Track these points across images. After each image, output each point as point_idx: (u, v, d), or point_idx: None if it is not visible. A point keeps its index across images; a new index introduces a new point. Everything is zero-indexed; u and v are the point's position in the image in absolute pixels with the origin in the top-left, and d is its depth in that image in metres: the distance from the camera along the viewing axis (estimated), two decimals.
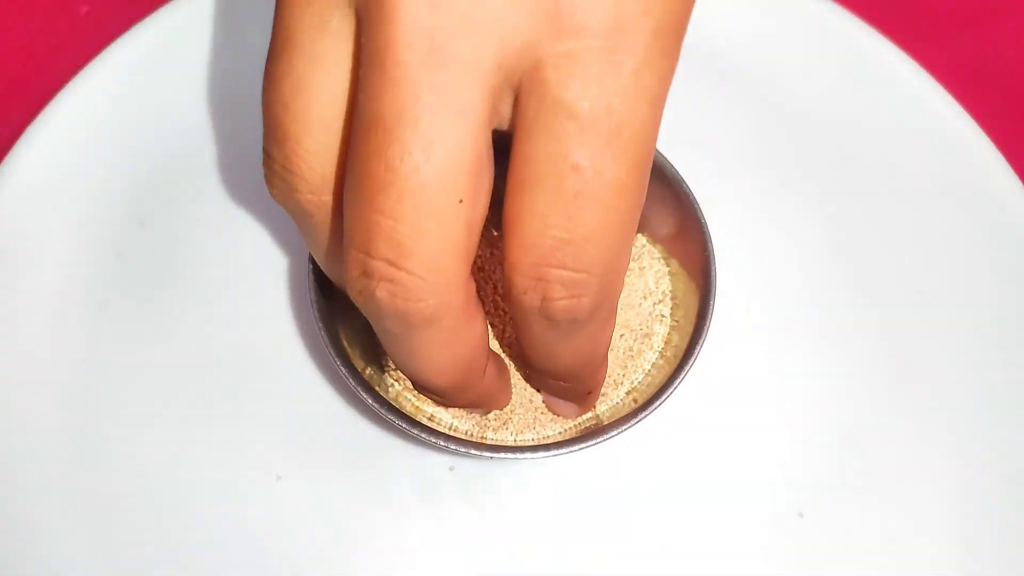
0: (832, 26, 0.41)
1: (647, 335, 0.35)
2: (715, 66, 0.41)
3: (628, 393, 0.34)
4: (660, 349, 0.35)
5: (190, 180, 0.38)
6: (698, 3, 0.40)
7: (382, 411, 0.31)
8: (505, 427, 0.34)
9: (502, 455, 0.31)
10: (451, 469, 0.35)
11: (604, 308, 0.25)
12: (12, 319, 0.35)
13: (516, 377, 0.34)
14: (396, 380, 0.34)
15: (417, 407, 0.34)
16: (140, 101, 0.38)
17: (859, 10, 0.41)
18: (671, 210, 0.35)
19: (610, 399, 0.34)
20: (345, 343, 0.32)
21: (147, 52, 0.39)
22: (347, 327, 0.33)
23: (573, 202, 0.22)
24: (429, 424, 0.31)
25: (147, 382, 0.35)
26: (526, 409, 0.34)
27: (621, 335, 0.35)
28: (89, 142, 0.38)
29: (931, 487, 0.35)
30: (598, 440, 0.31)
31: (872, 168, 0.40)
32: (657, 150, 0.32)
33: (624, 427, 0.31)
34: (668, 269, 0.35)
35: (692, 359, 0.32)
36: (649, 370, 0.34)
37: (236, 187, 0.38)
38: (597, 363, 0.30)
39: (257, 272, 0.37)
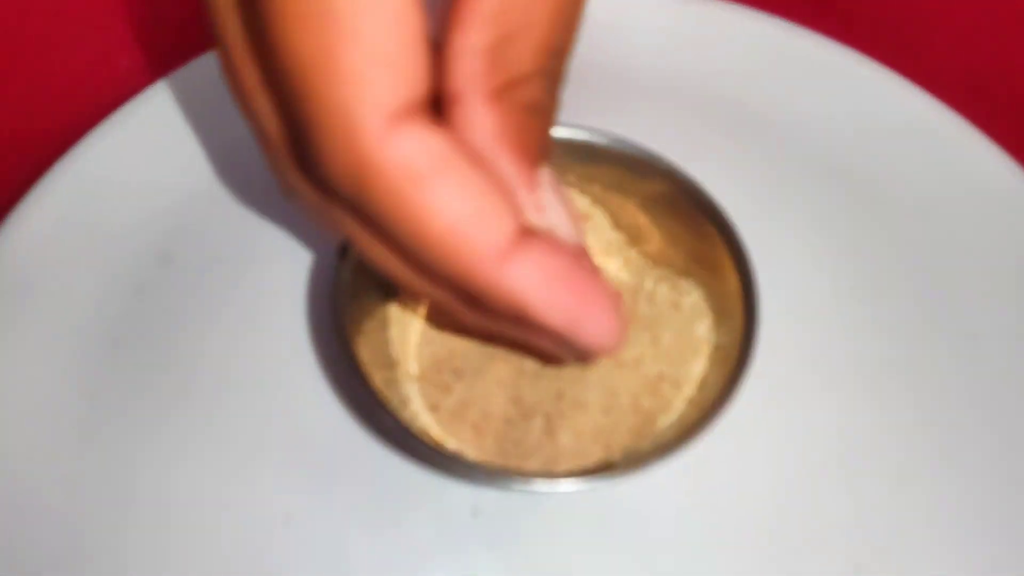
0: (862, 74, 0.41)
1: (685, 372, 0.33)
2: (737, 110, 0.41)
3: (665, 428, 0.32)
4: (698, 384, 0.33)
5: (214, 215, 0.38)
6: (724, 54, 0.42)
7: (409, 438, 0.29)
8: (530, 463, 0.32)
9: (535, 486, 0.29)
10: (474, 514, 0.32)
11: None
12: (29, 355, 0.35)
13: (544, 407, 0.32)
14: (421, 410, 0.33)
15: (440, 439, 0.32)
16: (165, 139, 0.39)
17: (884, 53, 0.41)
18: (711, 245, 0.34)
19: (641, 430, 0.32)
20: (365, 367, 0.31)
21: (176, 96, 0.40)
22: (366, 356, 0.32)
23: None
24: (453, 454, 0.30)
25: (160, 420, 0.34)
26: (545, 444, 0.32)
27: (659, 373, 0.33)
28: (114, 179, 0.38)
29: (994, 540, 0.32)
30: (641, 467, 0.29)
31: (909, 210, 0.39)
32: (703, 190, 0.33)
33: (669, 453, 0.29)
34: (710, 306, 0.34)
35: (731, 395, 0.30)
36: (686, 409, 0.33)
37: (260, 222, 0.38)
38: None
39: (278, 304, 0.36)
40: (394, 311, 0.35)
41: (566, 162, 0.35)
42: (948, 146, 0.40)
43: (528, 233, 0.22)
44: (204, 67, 0.40)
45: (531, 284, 0.21)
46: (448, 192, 0.20)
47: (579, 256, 0.25)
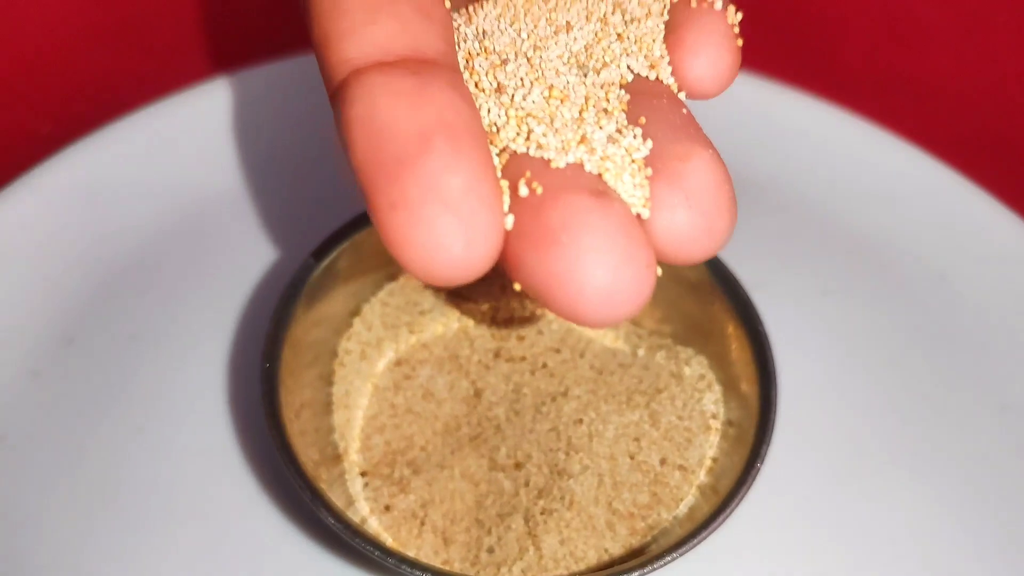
0: (861, 137, 0.38)
1: (694, 455, 0.27)
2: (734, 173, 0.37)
3: (671, 521, 0.26)
4: (708, 469, 0.27)
5: (120, 293, 0.33)
6: (721, 118, 0.39)
7: (358, 542, 0.23)
8: (507, 570, 0.25)
9: None
10: None
11: None
12: None
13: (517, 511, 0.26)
14: (372, 512, 0.26)
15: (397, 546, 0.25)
16: (69, 210, 0.34)
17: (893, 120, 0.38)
18: (713, 308, 0.29)
19: (645, 529, 0.26)
20: (301, 459, 0.25)
21: (81, 169, 0.35)
22: (305, 449, 0.26)
23: None
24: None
25: (56, 527, 0.28)
26: (528, 549, 0.26)
27: (663, 458, 0.27)
28: (9, 252, 0.32)
29: None
30: (647, 571, 0.23)
31: (923, 275, 0.35)
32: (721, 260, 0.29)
33: (679, 553, 0.23)
34: (717, 377, 0.29)
35: (751, 480, 0.25)
36: (694, 497, 0.27)
37: (171, 299, 0.33)
38: None
39: (194, 394, 0.30)
40: (338, 392, 0.29)
41: None
42: (959, 210, 0.36)
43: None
44: (107, 139, 0.35)
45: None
46: None
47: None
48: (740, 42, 0.21)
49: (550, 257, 0.16)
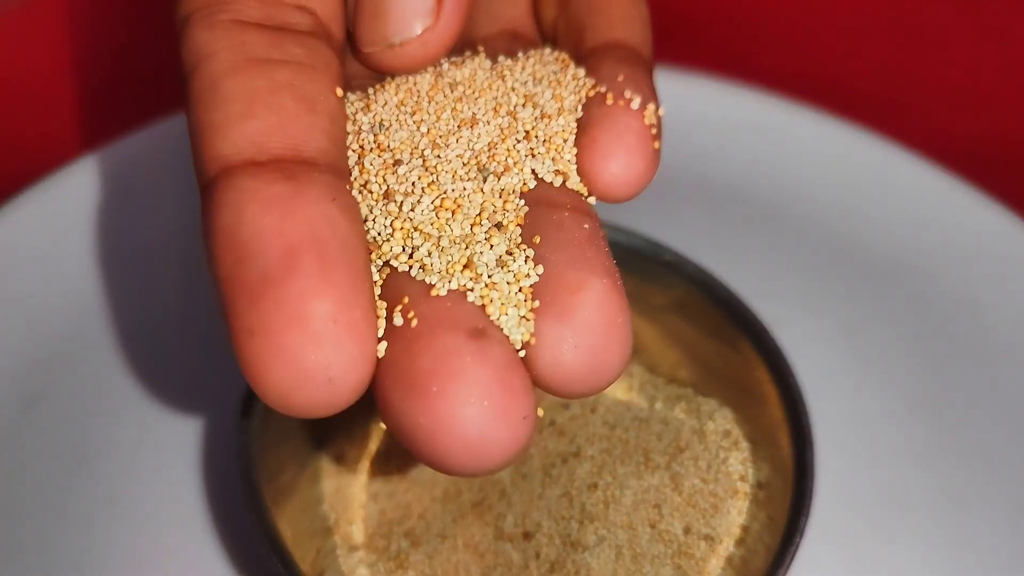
0: (895, 164, 0.35)
1: (722, 523, 0.25)
2: (748, 200, 0.35)
3: None
4: (738, 540, 0.25)
5: (88, 356, 0.30)
6: (727, 138, 0.37)
7: None
8: None
9: None
10: None
11: None
12: None
13: None
14: None
15: None
16: (35, 258, 0.31)
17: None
18: (737, 356, 0.27)
19: None
20: (284, 540, 0.22)
21: (37, 220, 0.32)
22: (290, 521, 0.23)
23: None
24: None
25: None
26: None
27: (687, 527, 0.25)
28: None
29: None
30: None
31: (958, 304, 0.33)
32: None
33: None
34: (743, 433, 0.26)
35: (791, 554, 0.23)
36: (723, 571, 0.24)
37: (144, 362, 0.30)
38: None
39: (169, 459, 0.28)
40: (327, 460, 0.26)
41: None
42: (991, 236, 0.34)
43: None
44: (80, 172, 0.33)
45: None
46: None
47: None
48: (658, 144, 0.19)
49: (418, 405, 0.15)
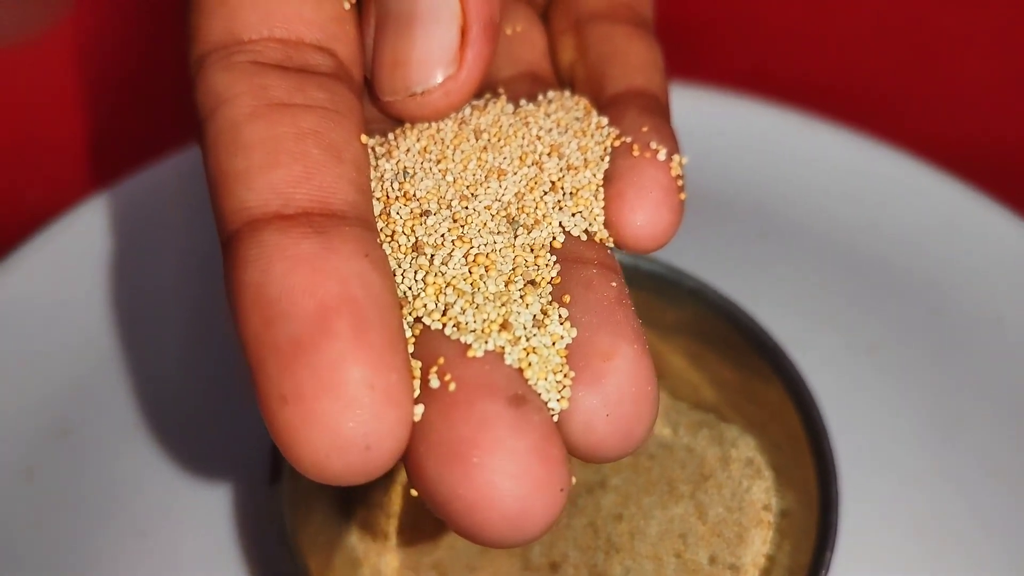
0: (910, 176, 0.35)
1: (747, 553, 0.25)
2: (761, 216, 0.35)
3: None
4: (763, 570, 0.25)
5: (124, 381, 0.30)
6: (737, 151, 0.37)
7: None
8: None
9: None
10: None
11: None
12: None
13: None
14: None
15: None
16: (56, 306, 0.31)
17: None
18: (760, 381, 0.27)
19: None
20: None
21: (62, 256, 0.32)
22: (321, 560, 0.24)
23: None
24: None
25: None
26: None
27: (712, 557, 0.25)
28: (3, 341, 0.30)
29: None
30: None
31: (981, 320, 0.33)
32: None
33: None
34: (767, 461, 0.27)
35: None
36: None
37: (173, 392, 0.30)
38: None
39: (201, 496, 0.28)
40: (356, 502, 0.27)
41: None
42: (1012, 248, 0.34)
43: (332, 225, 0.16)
44: (92, 212, 0.33)
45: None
46: None
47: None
48: (683, 196, 0.19)
49: (456, 474, 0.15)
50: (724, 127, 0.36)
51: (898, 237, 0.34)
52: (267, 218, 0.16)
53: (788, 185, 0.36)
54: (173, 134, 0.33)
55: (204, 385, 0.30)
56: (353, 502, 0.27)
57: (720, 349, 0.28)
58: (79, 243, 0.32)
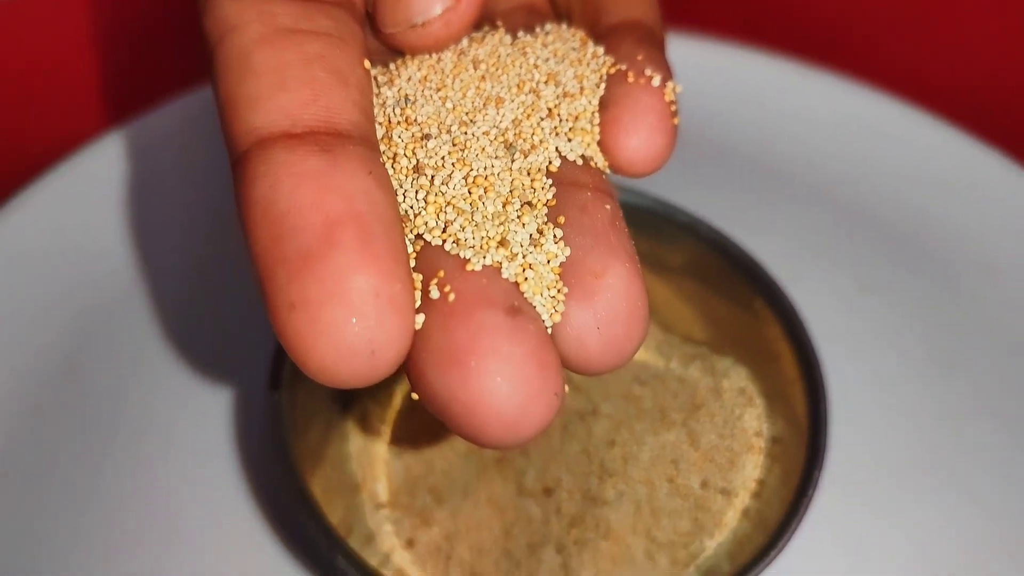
0: (909, 123, 0.35)
1: (738, 477, 0.25)
2: (762, 162, 0.35)
3: (715, 549, 0.24)
4: (754, 493, 0.25)
5: (126, 325, 0.31)
6: (738, 100, 0.37)
7: None
8: None
9: None
10: None
11: None
12: None
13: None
14: (393, 548, 0.25)
15: None
16: (66, 241, 0.32)
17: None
18: (753, 316, 0.27)
19: (687, 559, 0.24)
20: (315, 496, 0.23)
21: (72, 192, 0.32)
22: (319, 481, 0.24)
23: None
24: None
25: (58, 564, 0.26)
26: None
27: (704, 481, 0.25)
28: (9, 281, 0.31)
29: None
30: None
31: (973, 266, 0.33)
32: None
33: None
34: (758, 389, 0.27)
35: (797, 518, 0.23)
36: (739, 523, 0.25)
37: (178, 331, 0.30)
38: None
39: (203, 425, 0.28)
40: (353, 420, 0.27)
41: None
42: (1007, 196, 0.34)
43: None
44: (108, 147, 0.33)
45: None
46: None
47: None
48: (677, 120, 0.20)
49: (455, 379, 0.15)
50: (721, 76, 0.36)
51: (894, 184, 0.35)
52: (276, 137, 0.16)
53: (784, 132, 0.36)
54: (182, 75, 0.33)
55: (208, 316, 0.30)
56: (351, 416, 0.27)
57: (713, 283, 0.28)
58: (87, 182, 0.32)
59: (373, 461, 0.27)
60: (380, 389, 0.27)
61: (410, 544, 0.25)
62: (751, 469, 0.26)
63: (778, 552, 0.23)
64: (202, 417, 0.28)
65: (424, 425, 0.27)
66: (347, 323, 0.15)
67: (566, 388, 0.16)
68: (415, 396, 0.16)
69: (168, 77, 0.35)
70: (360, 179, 0.16)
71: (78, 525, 0.26)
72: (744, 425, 0.26)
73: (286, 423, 0.24)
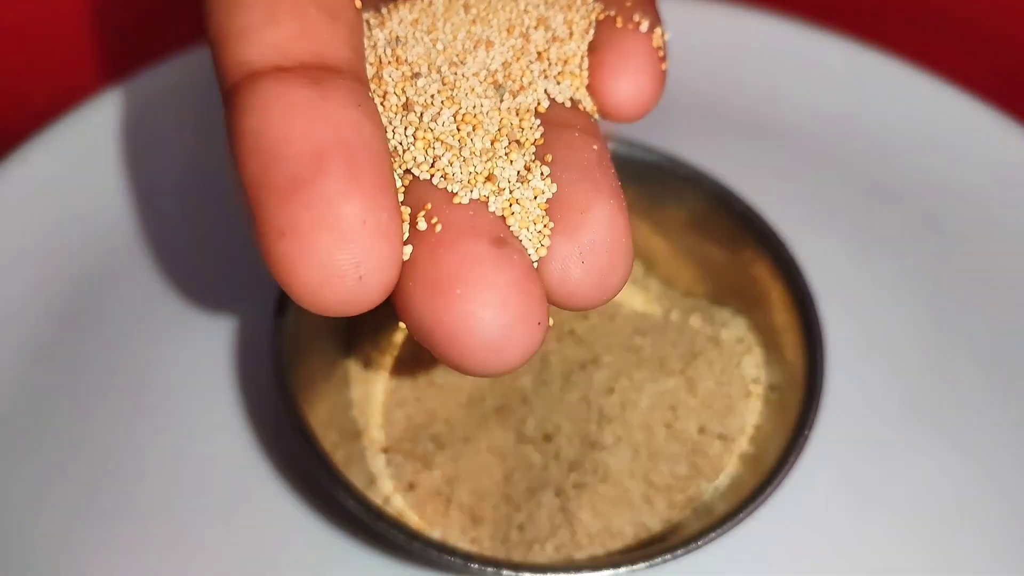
0: (909, 82, 0.35)
1: (735, 423, 0.26)
2: (761, 119, 0.35)
3: (712, 493, 0.25)
4: (751, 438, 0.26)
5: (126, 271, 0.31)
6: (738, 59, 0.37)
7: (380, 526, 0.22)
8: (540, 549, 0.24)
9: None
10: None
11: None
12: None
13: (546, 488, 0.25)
14: (395, 490, 0.25)
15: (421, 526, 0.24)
16: (68, 178, 0.32)
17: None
18: (750, 266, 0.27)
19: (684, 502, 0.24)
20: (316, 436, 0.24)
21: (75, 143, 0.33)
22: (320, 425, 0.25)
23: None
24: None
25: (56, 519, 0.26)
26: (558, 525, 0.24)
27: (701, 427, 0.26)
28: (13, 231, 0.31)
29: None
30: (689, 548, 0.21)
31: (969, 222, 0.33)
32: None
33: (723, 530, 0.22)
34: (757, 339, 0.27)
35: (799, 450, 0.23)
36: (736, 467, 0.25)
37: (178, 277, 0.31)
38: None
39: (203, 371, 0.29)
40: (354, 367, 0.27)
41: None
42: (1005, 152, 0.34)
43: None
44: (106, 103, 0.34)
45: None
46: None
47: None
48: (665, 66, 0.20)
49: (440, 305, 0.16)
50: (724, 36, 0.37)
51: (894, 142, 0.35)
52: (266, 70, 0.16)
53: (790, 93, 0.36)
54: (185, 32, 0.34)
55: (208, 263, 0.31)
56: (353, 364, 0.28)
57: (715, 237, 0.28)
58: (87, 135, 0.32)
59: (374, 408, 0.27)
60: (382, 337, 0.28)
61: (411, 487, 0.26)
62: (749, 415, 0.26)
63: (772, 491, 0.23)
64: (202, 358, 0.29)
65: (426, 375, 0.28)
66: (335, 249, 0.15)
67: (550, 321, 0.16)
68: (402, 325, 0.16)
69: (170, 33, 0.35)
70: (349, 111, 0.16)
71: (78, 464, 0.27)
72: (742, 373, 0.27)
73: (288, 363, 0.24)
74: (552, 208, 0.17)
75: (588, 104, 0.20)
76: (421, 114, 0.18)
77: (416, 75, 0.19)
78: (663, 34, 0.20)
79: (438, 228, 0.16)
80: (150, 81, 0.33)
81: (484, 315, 0.15)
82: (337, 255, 0.15)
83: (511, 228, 0.17)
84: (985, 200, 0.33)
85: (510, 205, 0.17)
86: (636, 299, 0.29)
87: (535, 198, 0.17)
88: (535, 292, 0.16)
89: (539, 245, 0.17)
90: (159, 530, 0.26)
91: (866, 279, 0.31)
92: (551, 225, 0.17)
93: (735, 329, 0.27)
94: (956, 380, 0.29)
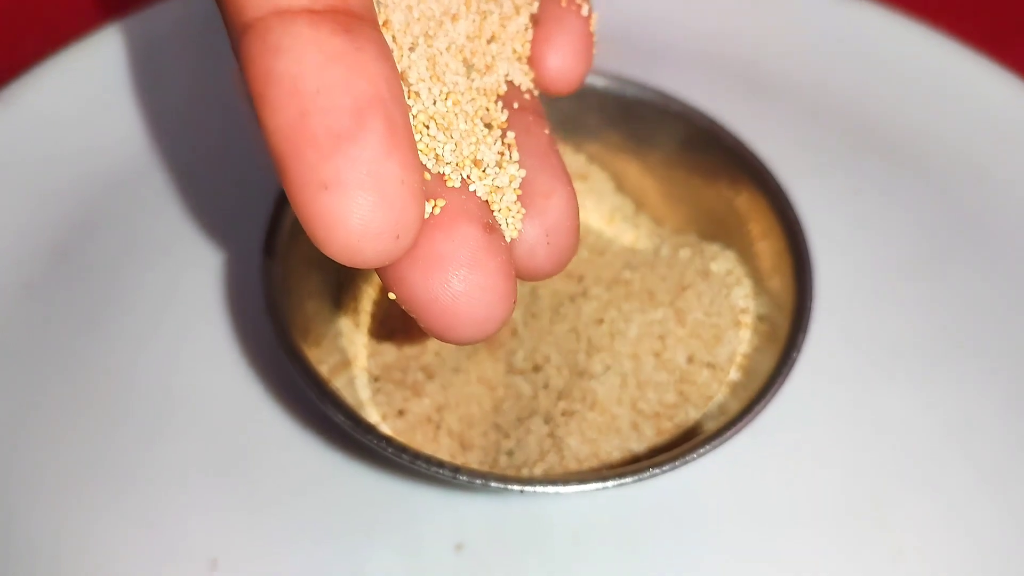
0: (900, 31, 0.36)
1: (723, 352, 0.26)
2: (757, 70, 0.35)
3: (700, 419, 0.25)
4: (739, 366, 0.26)
5: (113, 206, 0.31)
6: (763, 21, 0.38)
7: (369, 439, 0.22)
8: (532, 468, 0.24)
9: (540, 488, 0.22)
10: (458, 547, 0.25)
11: None
12: None
13: (537, 417, 0.25)
14: (385, 416, 0.25)
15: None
16: (60, 118, 0.32)
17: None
18: (740, 201, 0.28)
19: (672, 429, 0.25)
20: (308, 358, 0.24)
21: (70, 78, 0.33)
22: (313, 352, 0.25)
23: None
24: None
25: (54, 446, 0.27)
26: (546, 448, 0.25)
27: (690, 356, 0.26)
28: (5, 168, 0.31)
29: None
30: (676, 465, 0.22)
31: (960, 169, 0.34)
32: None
33: (692, 456, 0.22)
34: (746, 271, 0.27)
35: (778, 383, 0.24)
36: (724, 396, 0.26)
37: (169, 213, 0.31)
38: None
39: (194, 301, 0.29)
40: (345, 297, 0.27)
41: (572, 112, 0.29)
42: (997, 101, 0.34)
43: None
44: (107, 38, 0.34)
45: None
46: None
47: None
48: (594, 51, 0.21)
49: (435, 283, 0.17)
50: None
51: (886, 91, 0.35)
52: (296, 11, 0.16)
53: (783, 42, 0.36)
54: None
55: (200, 200, 0.31)
56: (344, 299, 0.28)
57: (705, 171, 0.28)
58: (80, 71, 0.32)
59: (366, 340, 0.27)
60: (374, 274, 0.28)
61: (400, 414, 0.26)
62: (736, 344, 0.26)
63: (758, 412, 0.23)
64: (195, 289, 0.29)
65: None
66: (378, 208, 0.15)
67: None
68: (392, 296, 0.17)
69: None
70: (382, 63, 0.16)
71: (74, 392, 0.27)
72: (731, 303, 0.27)
73: (279, 294, 0.24)
74: (522, 190, 0.19)
75: (529, 84, 0.21)
76: (418, 92, 0.18)
77: (412, 47, 0.18)
78: (595, 19, 0.21)
79: (437, 211, 0.17)
80: (141, 23, 0.34)
81: (476, 295, 0.17)
82: (380, 214, 0.15)
83: (494, 211, 0.18)
84: (971, 144, 0.34)
85: (492, 192, 0.18)
86: (626, 235, 0.29)
87: (510, 183, 0.18)
88: (513, 275, 0.18)
89: (514, 229, 0.18)
90: (155, 451, 0.26)
91: (854, 220, 0.32)
92: (523, 211, 0.19)
93: (724, 262, 0.27)
94: (939, 316, 0.30)
